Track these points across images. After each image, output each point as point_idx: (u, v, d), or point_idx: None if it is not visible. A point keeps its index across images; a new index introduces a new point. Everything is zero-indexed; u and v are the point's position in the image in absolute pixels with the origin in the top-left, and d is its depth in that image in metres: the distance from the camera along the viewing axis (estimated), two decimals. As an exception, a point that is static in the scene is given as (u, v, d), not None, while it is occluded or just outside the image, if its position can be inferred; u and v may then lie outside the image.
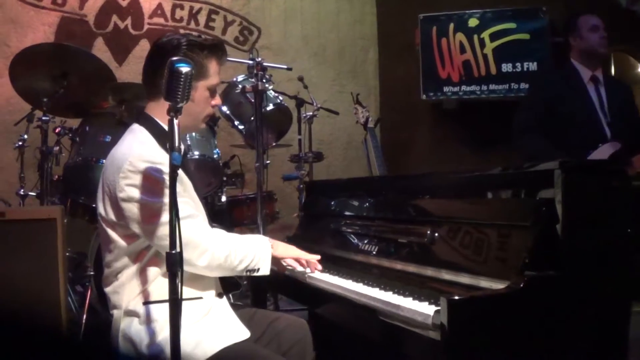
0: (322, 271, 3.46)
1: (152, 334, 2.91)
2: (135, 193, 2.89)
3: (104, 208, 3.02)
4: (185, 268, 2.61)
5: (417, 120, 8.43)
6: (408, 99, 8.34)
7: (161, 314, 2.81)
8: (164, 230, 2.82)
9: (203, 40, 3.21)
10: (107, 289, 3.09)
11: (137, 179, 2.89)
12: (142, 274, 3.00)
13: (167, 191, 2.70)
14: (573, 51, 5.44)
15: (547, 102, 5.26)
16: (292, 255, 3.46)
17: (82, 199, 5.60)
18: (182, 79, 2.53)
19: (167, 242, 2.54)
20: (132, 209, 2.90)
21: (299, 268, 3.49)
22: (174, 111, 2.56)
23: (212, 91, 3.20)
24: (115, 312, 3.04)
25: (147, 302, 2.93)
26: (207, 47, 3.16)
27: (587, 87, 5.28)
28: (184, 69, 2.53)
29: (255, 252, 3.20)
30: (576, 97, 5.23)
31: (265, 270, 3.24)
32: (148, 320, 2.92)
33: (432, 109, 8.28)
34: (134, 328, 2.95)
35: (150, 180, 2.88)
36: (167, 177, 2.68)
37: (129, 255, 3.01)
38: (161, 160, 2.86)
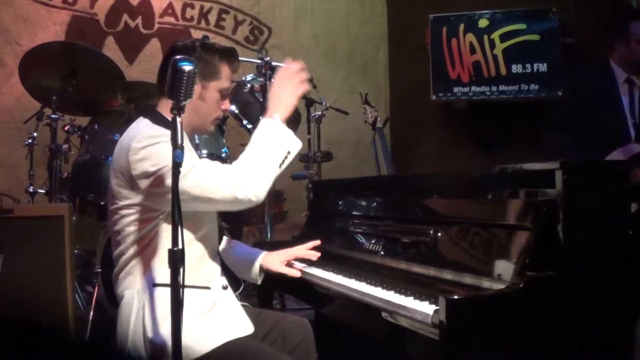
0: (326, 270, 3.45)
1: (158, 320, 2.93)
2: (148, 166, 2.93)
3: (116, 192, 3.06)
4: (234, 207, 2.93)
5: (426, 120, 8.42)
6: (418, 99, 8.32)
7: (168, 303, 2.82)
8: (189, 179, 2.88)
9: (218, 45, 3.29)
10: (120, 275, 3.12)
11: (146, 153, 2.94)
12: (153, 259, 3.03)
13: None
14: (615, 54, 5.29)
15: (577, 101, 5.22)
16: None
17: (90, 197, 5.62)
18: (184, 77, 2.54)
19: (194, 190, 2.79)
20: (149, 183, 2.94)
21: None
22: (177, 109, 2.58)
23: (222, 94, 3.25)
24: (126, 293, 3.08)
25: (156, 285, 2.98)
26: (220, 51, 3.24)
27: (620, 87, 5.19)
28: (187, 67, 2.54)
29: (271, 141, 3.17)
30: (606, 96, 5.16)
31: (297, 145, 3.27)
32: (156, 303, 2.96)
33: (442, 110, 8.27)
34: (142, 311, 2.98)
35: (160, 150, 2.90)
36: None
37: (139, 240, 3.04)
38: (167, 134, 2.80)
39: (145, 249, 3.05)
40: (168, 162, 2.66)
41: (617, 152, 4.79)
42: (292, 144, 3.21)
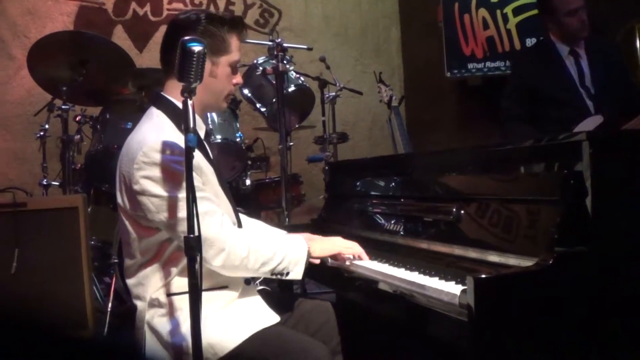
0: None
1: (176, 324, 2.87)
2: (151, 186, 2.83)
3: (121, 199, 2.98)
4: (204, 264, 2.61)
5: (441, 97, 8.35)
6: (432, 76, 8.24)
7: (185, 304, 2.73)
8: (183, 225, 2.64)
9: (223, 15, 3.13)
10: (129, 281, 3.04)
11: (152, 171, 2.83)
12: (165, 267, 2.94)
13: (184, 184, 2.58)
14: (551, 30, 5.21)
15: (526, 84, 5.14)
16: (332, 253, 3.28)
17: (105, 187, 5.60)
18: (194, 59, 2.47)
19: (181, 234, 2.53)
20: (148, 203, 2.83)
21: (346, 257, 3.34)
22: (188, 92, 2.51)
23: (233, 68, 3.13)
24: (139, 304, 2.99)
25: (170, 294, 2.91)
26: (227, 21, 3.08)
27: (566, 62, 5.08)
28: (197, 47, 2.47)
29: (286, 254, 3.02)
30: (554, 74, 5.06)
31: (296, 274, 3.06)
32: (172, 311, 2.89)
33: (457, 86, 8.19)
34: (157, 319, 2.92)
35: (167, 172, 2.81)
36: (183, 168, 2.56)
37: (149, 247, 2.95)
38: (177, 149, 2.78)
39: (155, 258, 2.96)
40: (172, 190, 2.70)
41: (579, 128, 4.66)
42: (296, 272, 3.07)
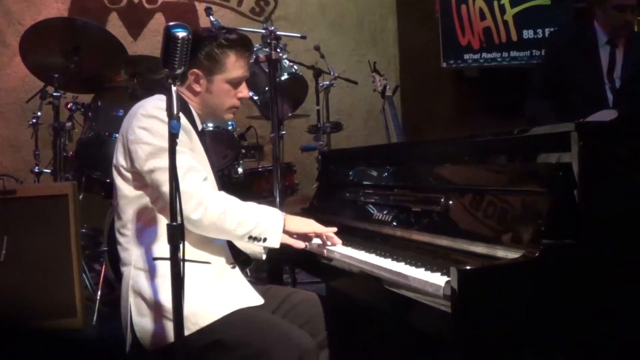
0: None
1: (159, 285, 2.93)
2: (144, 135, 2.96)
3: (116, 158, 3.09)
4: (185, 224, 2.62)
5: (438, 88, 8.35)
6: (428, 67, 8.23)
7: (166, 277, 2.75)
8: (164, 174, 2.77)
9: (222, 35, 3.23)
10: (118, 247, 3.13)
11: (148, 122, 2.97)
12: (150, 230, 3.03)
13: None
14: (597, 17, 5.12)
15: (557, 65, 5.11)
16: (307, 230, 3.33)
17: (96, 174, 5.61)
18: (178, 44, 2.46)
19: (167, 187, 2.57)
20: (139, 150, 2.95)
21: (316, 241, 3.39)
22: (172, 78, 2.50)
23: (234, 84, 3.23)
24: (124, 269, 3.08)
25: (155, 258, 2.97)
26: (226, 42, 3.20)
27: (600, 50, 5.03)
28: (181, 34, 2.46)
29: (261, 219, 3.11)
30: (584, 60, 5.03)
31: (273, 241, 3.14)
32: (155, 275, 2.96)
33: (453, 77, 8.19)
34: (141, 282, 2.97)
35: (161, 124, 2.89)
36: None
37: (136, 210, 3.04)
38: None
39: (139, 220, 3.04)
40: (164, 142, 2.65)
41: (590, 119, 4.59)
42: (273, 239, 3.15)
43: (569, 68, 4.99)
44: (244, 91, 3.30)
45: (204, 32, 3.23)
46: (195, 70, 3.14)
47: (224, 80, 3.19)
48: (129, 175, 3.03)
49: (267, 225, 3.11)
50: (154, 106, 3.00)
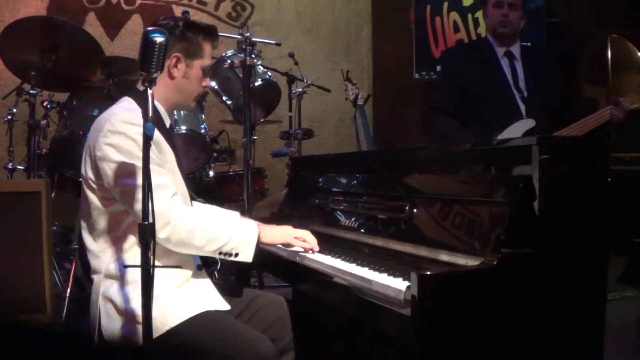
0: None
1: (129, 293, 2.95)
2: (111, 152, 2.93)
3: (84, 169, 3.07)
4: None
5: (409, 98, 8.37)
6: (401, 77, 8.26)
7: (139, 277, 2.79)
8: (137, 194, 2.82)
9: (199, 23, 3.36)
10: (88, 254, 3.12)
11: (115, 139, 2.94)
12: (121, 240, 3.03)
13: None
14: (487, 28, 5.14)
15: (458, 80, 5.01)
16: (283, 241, 3.33)
17: (69, 173, 5.61)
18: (156, 49, 2.51)
19: (140, 206, 2.57)
20: (108, 169, 2.93)
21: (296, 249, 3.37)
22: (149, 81, 2.55)
23: (205, 71, 3.31)
24: (95, 277, 3.08)
25: (126, 266, 2.96)
26: (203, 29, 3.29)
27: (501, 62, 4.97)
28: (159, 38, 2.51)
29: (234, 234, 3.09)
30: (488, 72, 4.95)
31: (245, 256, 3.12)
32: (126, 282, 2.97)
33: (425, 88, 8.21)
34: (112, 289, 2.99)
35: (128, 141, 2.91)
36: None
37: (107, 220, 3.04)
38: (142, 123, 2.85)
39: (111, 231, 3.05)
40: (132, 159, 2.79)
41: (509, 130, 4.61)
42: (246, 254, 3.13)
43: (473, 82, 4.91)
44: (207, 80, 3.37)
45: (179, 21, 3.26)
46: (177, 54, 3.17)
47: (200, 67, 3.25)
48: (98, 188, 3.02)
49: (239, 240, 3.10)
50: (120, 120, 2.97)
